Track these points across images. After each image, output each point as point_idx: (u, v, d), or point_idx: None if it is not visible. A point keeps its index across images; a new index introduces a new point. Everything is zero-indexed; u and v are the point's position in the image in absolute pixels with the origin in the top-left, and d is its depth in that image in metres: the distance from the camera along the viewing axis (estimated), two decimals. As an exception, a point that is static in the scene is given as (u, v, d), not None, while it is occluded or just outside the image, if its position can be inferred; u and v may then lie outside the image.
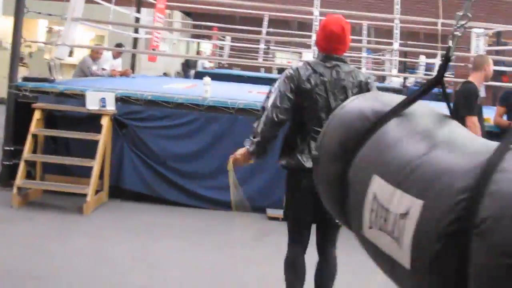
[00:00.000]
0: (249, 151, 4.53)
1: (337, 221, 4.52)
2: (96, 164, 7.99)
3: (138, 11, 15.00)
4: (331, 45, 4.52)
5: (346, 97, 4.37)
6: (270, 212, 8.37)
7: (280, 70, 25.46)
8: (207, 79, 8.79)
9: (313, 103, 4.43)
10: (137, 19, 14.88)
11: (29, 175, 8.50)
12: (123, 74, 12.89)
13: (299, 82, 4.46)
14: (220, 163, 7.48)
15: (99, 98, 8.33)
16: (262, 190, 8.53)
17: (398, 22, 13.27)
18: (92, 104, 8.29)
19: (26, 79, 9.13)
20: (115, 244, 6.78)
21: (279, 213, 8.15)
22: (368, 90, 4.46)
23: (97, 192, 8.26)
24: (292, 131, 4.58)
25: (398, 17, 13.18)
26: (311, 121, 4.46)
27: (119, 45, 13.74)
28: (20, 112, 8.59)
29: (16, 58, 8.66)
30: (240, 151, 4.57)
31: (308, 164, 4.40)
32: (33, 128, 8.21)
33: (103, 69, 12.41)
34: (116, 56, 13.08)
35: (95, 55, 12.18)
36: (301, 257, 4.68)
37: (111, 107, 8.35)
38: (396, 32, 13.38)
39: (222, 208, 8.35)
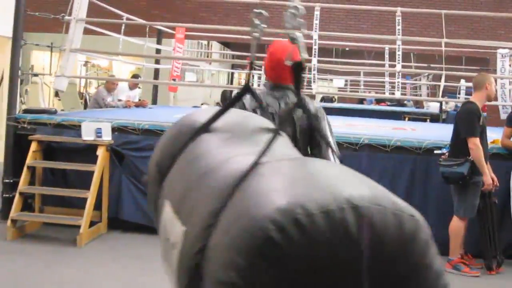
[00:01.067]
0: None
1: None
2: (90, 195, 7.90)
3: (159, 42, 15.00)
4: (277, 74, 4.27)
5: (294, 130, 4.19)
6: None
7: (322, 99, 25.35)
8: (204, 106, 8.66)
9: None
10: (158, 50, 14.88)
11: (29, 207, 8.47)
12: (139, 105, 12.87)
13: None
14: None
15: (95, 129, 8.27)
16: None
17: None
18: (87, 135, 8.23)
19: (26, 111, 9.14)
20: (105, 277, 6.67)
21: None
22: (317, 121, 4.25)
23: (95, 223, 8.18)
24: None
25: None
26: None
27: (135, 76, 13.74)
28: (20, 144, 8.57)
29: (14, 91, 8.66)
30: None
31: None
32: (29, 159, 8.18)
33: (119, 100, 12.39)
34: (132, 87, 13.05)
35: (110, 86, 12.18)
36: None
37: (107, 137, 8.28)
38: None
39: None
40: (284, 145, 2.04)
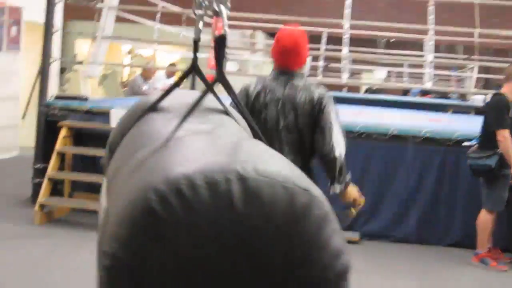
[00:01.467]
0: None
1: None
2: (117, 182, 7.94)
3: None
4: (285, 59, 4.30)
5: (296, 115, 4.17)
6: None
7: (367, 90, 25.09)
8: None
9: (262, 122, 4.20)
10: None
11: (59, 193, 8.57)
12: (175, 93, 12.87)
13: (247, 100, 4.26)
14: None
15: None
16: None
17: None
18: (115, 121, 8.26)
19: (57, 97, 9.23)
20: None
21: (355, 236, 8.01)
22: (320, 107, 4.21)
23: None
24: None
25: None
26: (262, 141, 4.24)
27: (172, 65, 13.79)
28: (50, 131, 8.66)
29: (45, 78, 8.75)
30: None
31: None
32: (59, 145, 8.28)
33: (155, 88, 12.44)
34: (169, 75, 13.08)
35: (146, 74, 12.24)
36: None
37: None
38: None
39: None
40: (226, 122, 2.01)
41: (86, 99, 9.35)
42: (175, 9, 11.20)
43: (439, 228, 8.17)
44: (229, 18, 2.15)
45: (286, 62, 4.29)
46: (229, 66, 24.92)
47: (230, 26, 15.68)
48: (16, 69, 11.95)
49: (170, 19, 12.51)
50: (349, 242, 7.96)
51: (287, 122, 4.17)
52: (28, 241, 7.26)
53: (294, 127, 4.18)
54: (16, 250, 6.88)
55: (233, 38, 25.62)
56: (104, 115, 8.53)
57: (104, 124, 8.38)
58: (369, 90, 24.88)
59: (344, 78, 9.33)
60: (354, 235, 8.07)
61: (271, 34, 29.55)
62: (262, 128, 4.18)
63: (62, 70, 19.62)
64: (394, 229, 8.21)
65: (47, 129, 8.69)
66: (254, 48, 27.15)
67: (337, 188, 4.24)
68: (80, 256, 6.76)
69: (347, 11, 9.07)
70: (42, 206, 7.98)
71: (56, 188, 8.55)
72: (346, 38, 9.10)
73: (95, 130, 8.58)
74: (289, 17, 9.39)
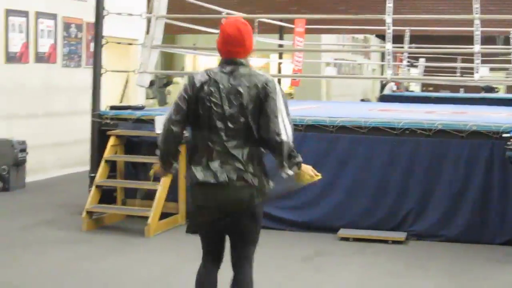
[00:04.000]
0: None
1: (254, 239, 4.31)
2: (160, 187, 8.08)
3: (281, 38, 15.07)
4: (229, 49, 4.30)
5: (241, 103, 4.16)
6: (342, 232, 7.98)
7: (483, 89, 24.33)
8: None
9: (207, 111, 4.20)
10: (280, 46, 14.94)
11: (114, 200, 8.81)
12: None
13: (193, 90, 4.27)
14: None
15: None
16: (336, 209, 8.22)
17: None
18: (160, 128, 8.38)
19: (112, 107, 9.48)
20: (169, 268, 6.84)
21: (353, 233, 7.87)
22: (265, 94, 4.17)
23: (171, 215, 8.38)
24: (192, 142, 4.38)
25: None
26: (207, 130, 4.24)
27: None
28: (104, 140, 8.90)
29: (97, 88, 9.02)
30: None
31: (203, 176, 4.20)
32: (107, 153, 8.52)
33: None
34: None
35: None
36: (209, 273, 4.47)
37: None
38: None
39: (297, 229, 8.27)
40: None
41: (142, 107, 9.57)
42: (242, 15, 11.25)
43: (491, 226, 7.78)
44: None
45: (231, 52, 4.29)
46: (328, 71, 24.83)
47: (309, 31, 15.46)
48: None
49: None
50: (394, 242, 7.74)
51: (232, 110, 4.16)
52: (68, 246, 7.49)
53: (239, 115, 4.16)
54: (54, 254, 7.13)
55: (345, 41, 25.53)
56: (151, 122, 8.69)
57: (150, 132, 8.53)
58: (485, 89, 24.10)
59: (389, 73, 9.07)
60: (400, 235, 7.83)
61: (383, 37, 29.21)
62: (207, 117, 4.18)
63: (166, 83, 20.26)
64: (443, 228, 7.88)
65: (101, 138, 8.93)
66: (368, 53, 26.85)
67: (289, 171, 4.19)
68: (116, 261, 6.93)
69: (389, 5, 8.80)
70: (90, 213, 8.20)
71: (111, 195, 8.78)
72: (389, 33, 8.84)
73: (144, 138, 8.76)
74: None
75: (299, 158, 4.27)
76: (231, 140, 4.17)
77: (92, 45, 12.47)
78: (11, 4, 10.94)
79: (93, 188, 8.37)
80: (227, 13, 11.08)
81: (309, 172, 4.35)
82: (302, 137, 8.07)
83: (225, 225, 4.32)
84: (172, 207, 8.51)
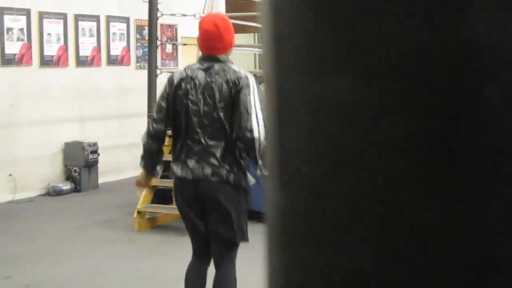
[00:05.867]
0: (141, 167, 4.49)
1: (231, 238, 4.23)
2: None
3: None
4: (206, 44, 4.29)
5: (215, 100, 4.12)
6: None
7: None
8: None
9: (185, 108, 4.20)
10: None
11: (170, 200, 8.86)
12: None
13: (171, 88, 4.29)
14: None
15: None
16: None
17: None
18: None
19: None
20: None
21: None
22: (236, 89, 4.10)
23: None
24: (173, 139, 4.37)
25: None
26: (185, 127, 4.22)
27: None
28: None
29: (153, 89, 9.09)
30: (140, 173, 4.57)
31: (181, 172, 4.18)
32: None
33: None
34: None
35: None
36: (197, 269, 4.44)
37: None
38: None
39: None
40: None
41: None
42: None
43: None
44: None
45: (209, 48, 4.27)
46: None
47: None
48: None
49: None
50: None
51: (207, 108, 4.14)
52: (116, 245, 7.59)
53: (213, 112, 4.13)
54: (99, 253, 7.27)
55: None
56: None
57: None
58: None
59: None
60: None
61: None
62: (185, 115, 4.14)
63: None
64: None
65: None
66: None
67: (263, 170, 4.10)
68: (158, 261, 6.98)
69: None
70: (141, 213, 8.29)
71: (170, 196, 8.83)
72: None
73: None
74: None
75: None
76: (207, 137, 4.15)
77: (168, 46, 12.69)
78: (81, 9, 11.19)
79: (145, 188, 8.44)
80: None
81: None
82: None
83: (203, 220, 4.27)
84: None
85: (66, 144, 10.81)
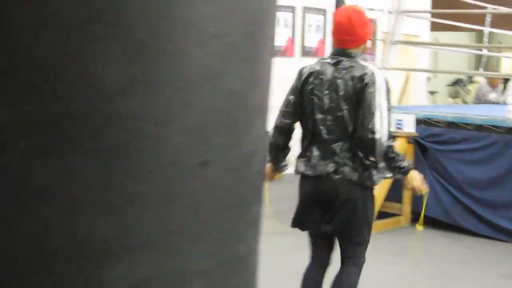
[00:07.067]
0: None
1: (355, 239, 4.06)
2: (378, 186, 7.83)
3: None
4: (338, 37, 4.15)
5: (339, 97, 3.96)
6: None
7: None
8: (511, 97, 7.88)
9: (311, 104, 4.09)
10: None
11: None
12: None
13: (300, 82, 4.18)
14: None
15: (395, 120, 8.15)
16: None
17: None
18: (409, 128, 8.15)
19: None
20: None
21: None
22: (361, 86, 3.91)
23: (394, 215, 8.15)
24: (301, 135, 4.26)
25: None
26: (310, 123, 4.10)
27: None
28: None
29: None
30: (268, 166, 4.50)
31: (304, 168, 4.07)
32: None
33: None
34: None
35: (494, 81, 11.57)
36: (313, 272, 4.32)
37: (408, 129, 8.10)
38: None
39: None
40: None
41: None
42: (505, 10, 10.43)
43: None
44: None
45: (340, 41, 4.13)
46: None
47: None
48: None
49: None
50: None
51: (332, 104, 4.01)
52: (272, 237, 7.58)
53: (338, 109, 3.99)
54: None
55: None
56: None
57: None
58: None
59: None
60: None
61: None
62: (310, 110, 4.04)
63: (457, 82, 19.60)
64: None
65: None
66: None
67: (387, 173, 3.96)
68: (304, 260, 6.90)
69: None
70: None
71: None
72: None
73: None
74: None
75: (404, 163, 3.96)
76: (331, 133, 4.02)
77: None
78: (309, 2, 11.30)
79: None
80: (493, 8, 10.35)
81: (415, 183, 4.05)
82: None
83: (325, 219, 4.13)
84: (397, 208, 8.26)
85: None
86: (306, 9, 11.74)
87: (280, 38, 11.37)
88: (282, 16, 11.35)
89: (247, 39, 1.10)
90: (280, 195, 9.83)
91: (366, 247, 4.25)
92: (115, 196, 0.93)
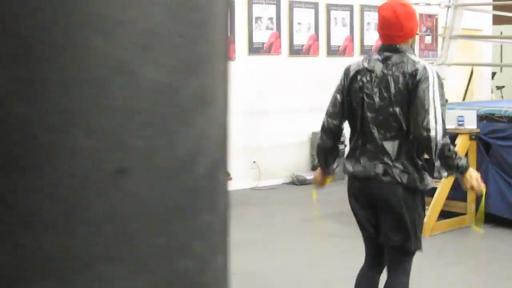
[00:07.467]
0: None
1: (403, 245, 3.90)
2: (441, 185, 7.65)
3: None
4: (384, 32, 3.99)
5: (390, 94, 3.82)
6: None
7: None
8: None
9: (360, 103, 3.95)
10: None
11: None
12: None
13: (347, 80, 4.04)
14: None
15: (456, 116, 7.94)
16: None
17: None
18: (448, 123, 7.93)
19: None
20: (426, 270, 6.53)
21: None
22: (413, 82, 3.75)
23: (458, 214, 7.94)
24: (350, 134, 4.14)
25: None
26: (360, 122, 3.97)
27: None
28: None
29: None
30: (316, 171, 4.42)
31: (353, 169, 3.95)
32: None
33: None
34: None
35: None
36: (366, 274, 4.18)
37: (470, 125, 7.87)
38: None
39: None
40: None
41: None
42: None
43: None
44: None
45: (387, 36, 3.97)
46: None
47: None
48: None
49: None
50: None
51: (382, 102, 3.85)
52: (337, 240, 7.48)
53: (389, 107, 3.83)
54: (317, 247, 7.22)
55: None
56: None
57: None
58: None
59: None
60: None
61: None
62: (360, 109, 3.91)
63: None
64: None
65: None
66: None
67: (443, 172, 3.75)
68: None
69: None
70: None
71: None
72: None
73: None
74: None
75: (461, 161, 3.75)
76: (381, 133, 3.86)
77: (427, 37, 12.28)
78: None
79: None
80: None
81: (472, 182, 3.82)
82: None
83: (373, 223, 4.00)
84: (461, 206, 8.03)
85: (314, 133, 10.82)
86: (364, 7, 11.56)
87: (338, 37, 11.22)
88: (339, 15, 11.20)
89: (170, 23, 0.96)
90: (343, 197, 9.68)
91: (414, 254, 4.07)
92: (8, 219, 0.83)
